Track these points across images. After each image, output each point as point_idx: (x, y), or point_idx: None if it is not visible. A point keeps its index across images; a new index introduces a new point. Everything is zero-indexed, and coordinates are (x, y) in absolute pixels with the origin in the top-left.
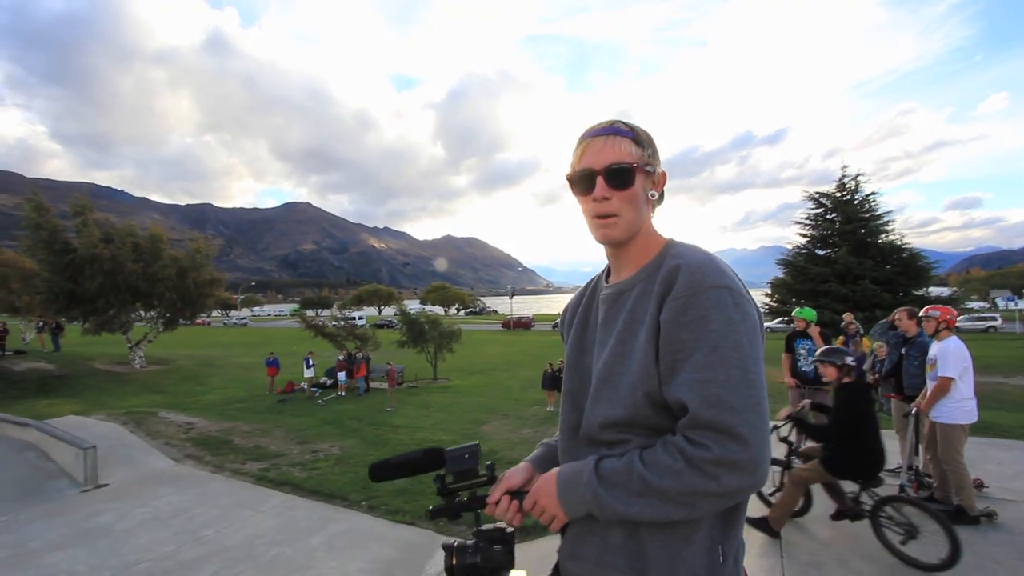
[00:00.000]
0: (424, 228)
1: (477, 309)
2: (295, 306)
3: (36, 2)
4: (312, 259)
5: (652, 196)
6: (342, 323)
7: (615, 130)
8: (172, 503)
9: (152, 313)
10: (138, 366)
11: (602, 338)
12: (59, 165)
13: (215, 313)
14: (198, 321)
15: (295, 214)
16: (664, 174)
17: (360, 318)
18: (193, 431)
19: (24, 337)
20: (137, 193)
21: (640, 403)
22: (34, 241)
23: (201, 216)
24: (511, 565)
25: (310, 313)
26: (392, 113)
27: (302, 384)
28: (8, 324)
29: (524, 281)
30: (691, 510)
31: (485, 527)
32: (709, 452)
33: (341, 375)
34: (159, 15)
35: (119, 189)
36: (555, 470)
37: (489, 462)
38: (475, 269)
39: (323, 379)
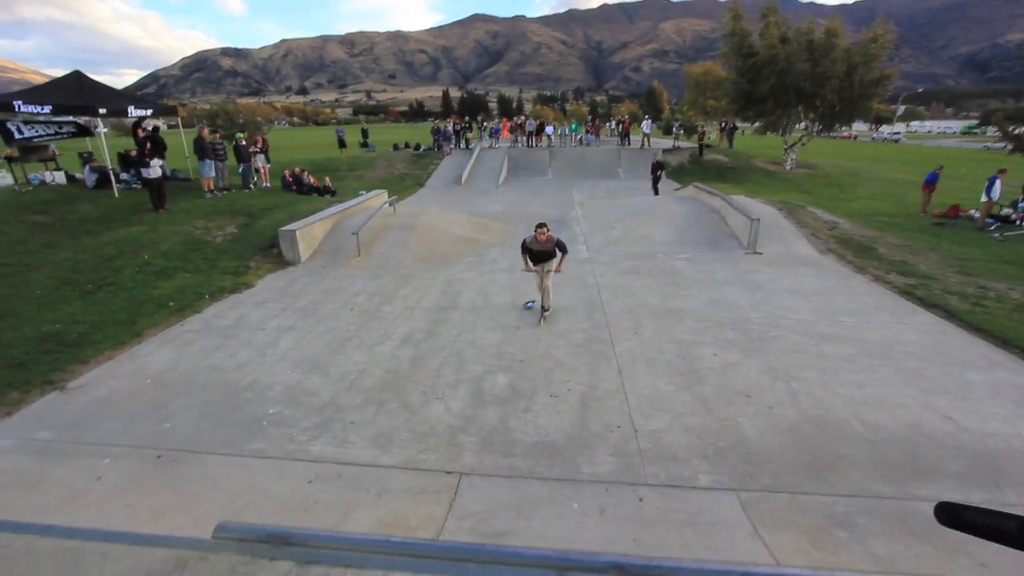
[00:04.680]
0: None
1: None
2: (971, 122)
3: None
4: (1016, 56)
5: None
6: None
7: None
8: (813, 284)
9: (811, 116)
10: (789, 167)
11: None
12: None
13: (862, 127)
14: (844, 135)
15: None
16: None
17: None
18: (837, 230)
19: (709, 136)
20: None
21: None
22: (728, 47)
23: (869, 14)
24: None
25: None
26: None
27: (972, 211)
28: (705, 127)
29: None
30: None
31: None
32: None
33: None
34: None
35: None
36: None
37: None
38: None
39: (1007, 210)
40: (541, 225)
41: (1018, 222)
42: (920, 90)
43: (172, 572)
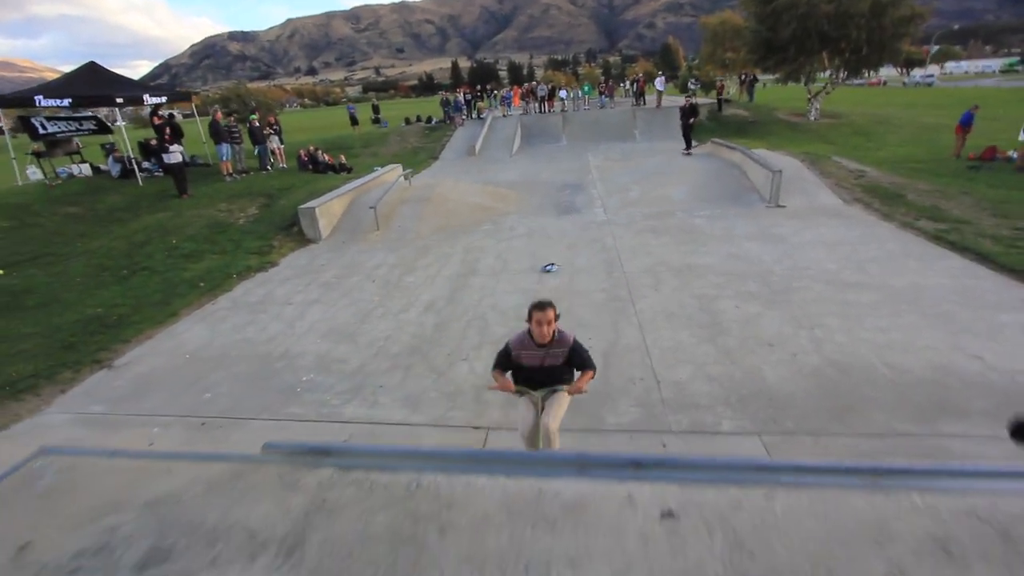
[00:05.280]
0: None
1: None
2: (1011, 59)
3: None
4: None
5: None
6: None
7: None
8: (838, 234)
9: (836, 62)
10: (812, 118)
11: None
12: None
13: (892, 72)
14: (872, 81)
15: None
16: None
17: None
18: (864, 179)
19: (728, 89)
20: None
21: None
22: None
23: None
24: None
25: None
26: None
27: (1010, 152)
28: (724, 80)
29: None
30: None
31: None
32: None
33: None
34: None
35: None
36: None
37: None
38: None
39: None
40: (542, 306)
41: None
42: (956, 27)
43: (229, 481)
